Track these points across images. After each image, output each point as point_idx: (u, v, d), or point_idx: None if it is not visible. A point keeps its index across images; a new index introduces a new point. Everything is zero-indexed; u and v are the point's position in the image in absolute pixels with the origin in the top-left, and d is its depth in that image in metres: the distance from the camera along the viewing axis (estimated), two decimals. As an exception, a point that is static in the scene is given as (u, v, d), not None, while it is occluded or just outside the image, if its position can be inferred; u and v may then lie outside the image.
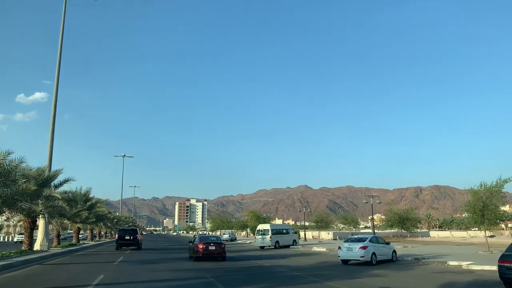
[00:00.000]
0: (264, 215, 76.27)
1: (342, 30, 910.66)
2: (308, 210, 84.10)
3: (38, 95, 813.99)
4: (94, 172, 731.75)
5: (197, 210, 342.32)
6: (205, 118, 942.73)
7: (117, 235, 38.54)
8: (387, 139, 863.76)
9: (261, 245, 40.97)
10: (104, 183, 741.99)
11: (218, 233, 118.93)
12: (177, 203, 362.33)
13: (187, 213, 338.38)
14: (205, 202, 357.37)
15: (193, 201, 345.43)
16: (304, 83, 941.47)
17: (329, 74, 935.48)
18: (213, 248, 24.46)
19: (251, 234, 79.81)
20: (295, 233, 45.96)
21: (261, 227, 43.02)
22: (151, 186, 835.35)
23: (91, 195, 42.74)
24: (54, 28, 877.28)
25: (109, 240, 68.17)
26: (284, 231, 43.06)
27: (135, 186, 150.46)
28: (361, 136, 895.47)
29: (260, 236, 41.43)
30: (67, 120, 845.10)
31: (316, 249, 38.09)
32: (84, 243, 45.67)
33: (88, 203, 41.38)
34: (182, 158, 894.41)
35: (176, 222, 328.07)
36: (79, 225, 42.03)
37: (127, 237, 37.58)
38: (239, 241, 64.27)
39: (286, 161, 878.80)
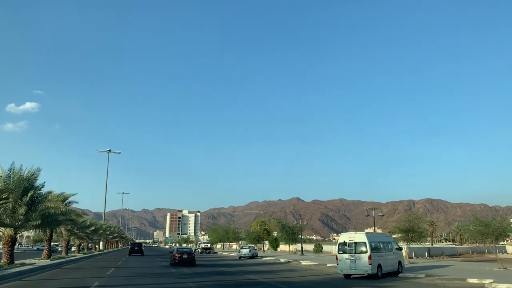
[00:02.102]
0: (295, 222, 57.69)
1: (337, 38, 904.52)
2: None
3: (28, 105, 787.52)
4: (85, 184, 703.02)
5: (189, 222, 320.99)
6: (193, 130, 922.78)
7: (130, 247, 64.15)
8: (378, 152, 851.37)
9: (348, 271, 21.71)
10: (96, 195, 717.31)
11: (218, 246, 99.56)
12: (168, 214, 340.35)
13: (179, 225, 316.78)
14: (198, 214, 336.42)
15: (185, 212, 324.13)
16: (297, 93, 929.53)
17: (320, 83, 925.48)
18: (186, 256, 34.21)
19: (271, 248, 62.00)
20: (400, 249, 25.57)
21: (347, 237, 22.09)
22: (141, 198, 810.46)
23: (44, 187, 24.26)
24: (46, 37, 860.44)
25: (88, 255, 49.43)
26: (386, 245, 23.06)
27: (123, 193, 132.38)
28: (353, 149, 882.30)
29: (347, 256, 21.54)
30: (57, 130, 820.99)
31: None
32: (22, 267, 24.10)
33: (29, 194, 22.43)
34: (173, 170, 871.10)
35: (167, 234, 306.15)
36: (7, 231, 22.96)
37: (136, 248, 60.02)
38: (265, 258, 46.20)
39: (277, 173, 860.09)
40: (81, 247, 58.84)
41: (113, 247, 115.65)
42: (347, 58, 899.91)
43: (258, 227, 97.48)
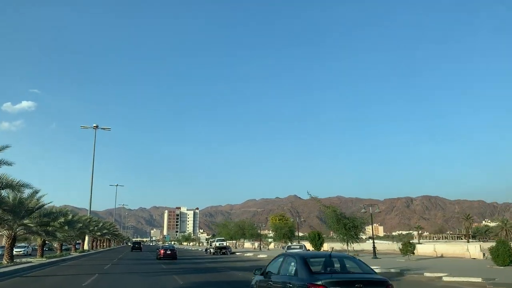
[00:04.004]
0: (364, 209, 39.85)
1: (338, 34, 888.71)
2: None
3: (25, 104, 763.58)
4: (84, 183, 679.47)
5: (188, 219, 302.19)
6: (190, 128, 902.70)
7: (132, 245, 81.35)
8: (376, 149, 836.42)
9: None
10: (94, 194, 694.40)
11: (232, 244, 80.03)
12: (166, 211, 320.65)
13: (177, 222, 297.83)
14: (197, 211, 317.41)
15: (183, 210, 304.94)
16: (294, 90, 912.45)
17: (319, 82, 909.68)
18: (169, 252, 38.95)
19: (312, 248, 43.81)
20: None
21: None
22: (138, 196, 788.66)
23: None
24: (42, 35, 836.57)
25: (54, 259, 31.94)
26: None
27: (117, 185, 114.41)
28: (350, 146, 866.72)
29: None
30: (54, 129, 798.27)
31: None
32: None
33: None
34: (170, 168, 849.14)
35: (165, 232, 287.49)
36: None
37: (136, 245, 73.12)
38: None
39: (275, 171, 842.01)
40: (50, 246, 41.04)
41: (104, 246, 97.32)
42: (347, 58, 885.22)
43: (278, 221, 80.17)
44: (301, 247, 30.75)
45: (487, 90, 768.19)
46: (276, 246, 74.07)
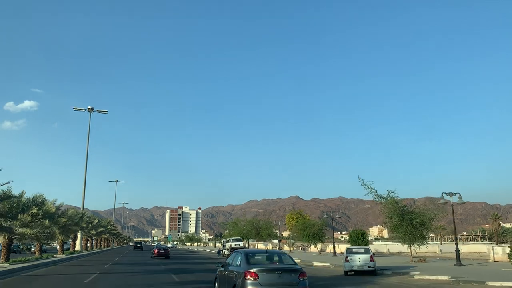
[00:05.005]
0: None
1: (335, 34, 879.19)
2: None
3: (27, 103, 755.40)
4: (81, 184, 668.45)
5: (190, 219, 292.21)
6: (192, 129, 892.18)
7: (134, 244, 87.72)
8: (378, 150, 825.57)
9: None
10: (95, 194, 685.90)
11: (255, 245, 69.42)
12: (168, 211, 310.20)
13: (179, 222, 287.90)
14: (199, 211, 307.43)
15: (186, 209, 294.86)
16: (296, 91, 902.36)
17: (320, 82, 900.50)
18: (162, 251, 42.28)
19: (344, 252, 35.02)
20: None
21: None
22: (139, 196, 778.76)
23: None
24: (45, 36, 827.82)
25: (21, 265, 22.53)
26: None
27: (116, 181, 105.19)
28: (351, 147, 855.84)
29: None
30: (56, 129, 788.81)
31: None
32: None
33: None
34: (172, 168, 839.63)
35: (166, 232, 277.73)
36: None
37: (139, 245, 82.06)
38: (417, 275, 19.77)
39: (276, 172, 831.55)
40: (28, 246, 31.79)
41: (102, 246, 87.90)
42: (347, 58, 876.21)
43: (294, 219, 70.84)
44: (366, 250, 21.45)
45: (492, 91, 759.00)
46: (296, 249, 64.41)
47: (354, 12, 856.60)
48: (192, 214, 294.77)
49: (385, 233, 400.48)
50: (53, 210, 32.06)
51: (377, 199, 29.95)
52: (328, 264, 28.94)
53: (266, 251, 12.39)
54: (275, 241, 72.86)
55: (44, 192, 26.81)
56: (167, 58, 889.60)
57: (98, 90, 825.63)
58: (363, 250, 21.84)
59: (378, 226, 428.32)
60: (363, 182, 29.39)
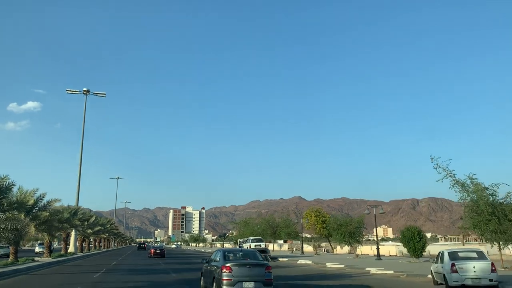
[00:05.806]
0: None
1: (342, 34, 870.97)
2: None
3: (30, 104, 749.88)
4: (87, 183, 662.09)
5: (193, 219, 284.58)
6: (195, 129, 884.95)
7: (137, 245, 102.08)
8: (381, 151, 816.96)
9: None
10: (97, 195, 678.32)
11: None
12: (171, 211, 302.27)
13: (182, 222, 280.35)
14: (203, 211, 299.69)
15: (189, 209, 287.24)
16: (299, 91, 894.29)
17: (322, 83, 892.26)
18: (158, 251, 43.88)
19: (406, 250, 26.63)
20: None
21: None
22: (142, 197, 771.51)
23: None
24: (47, 36, 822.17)
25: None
26: None
27: (118, 178, 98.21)
28: (355, 148, 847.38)
29: None
30: (59, 129, 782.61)
31: None
32: None
33: None
34: (174, 169, 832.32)
35: (169, 233, 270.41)
36: None
37: (142, 245, 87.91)
38: None
39: (279, 172, 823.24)
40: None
41: (102, 247, 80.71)
42: (347, 58, 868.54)
43: (314, 217, 63.51)
44: (480, 255, 14.15)
45: (495, 91, 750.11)
46: (318, 251, 56.38)
47: (354, 12, 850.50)
48: (196, 214, 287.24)
49: (390, 233, 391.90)
50: (31, 201, 24.87)
51: (455, 186, 22.45)
52: (391, 271, 21.55)
53: (241, 250, 14.70)
54: (296, 241, 64.81)
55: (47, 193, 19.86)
56: (168, 58, 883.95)
57: (99, 90, 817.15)
58: (475, 254, 14.53)
59: (383, 226, 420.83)
60: (437, 164, 22.07)
